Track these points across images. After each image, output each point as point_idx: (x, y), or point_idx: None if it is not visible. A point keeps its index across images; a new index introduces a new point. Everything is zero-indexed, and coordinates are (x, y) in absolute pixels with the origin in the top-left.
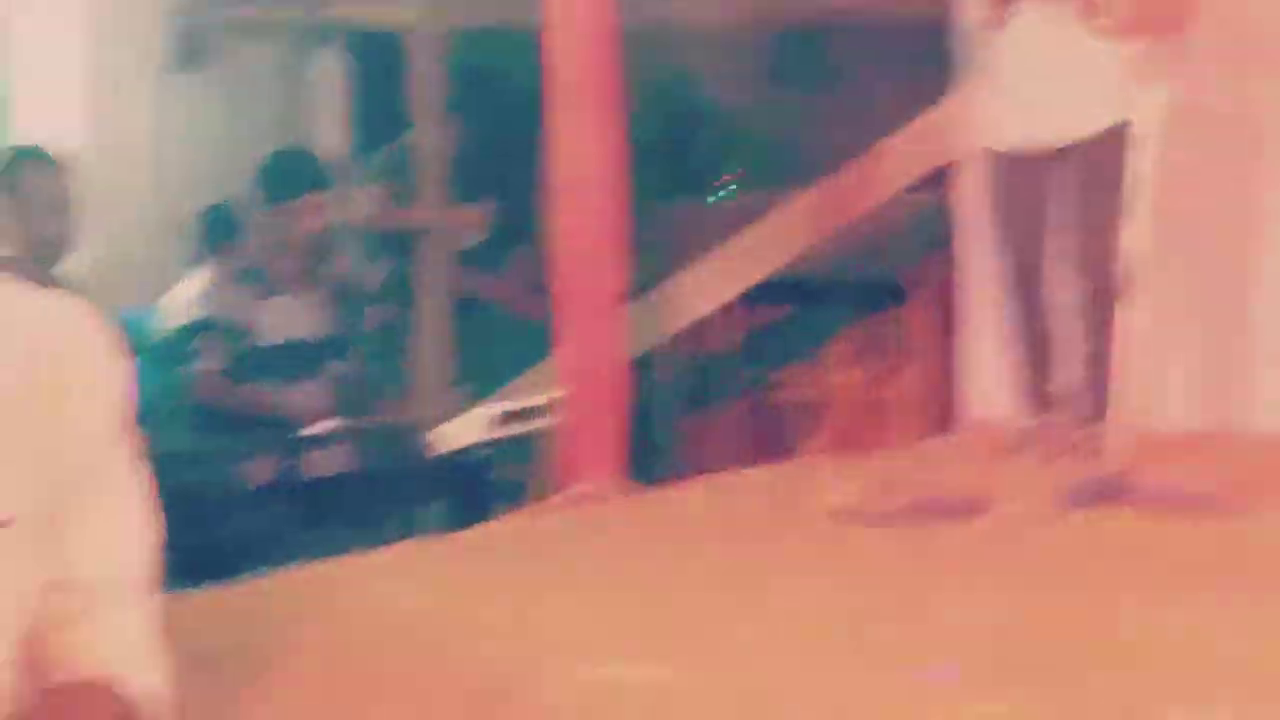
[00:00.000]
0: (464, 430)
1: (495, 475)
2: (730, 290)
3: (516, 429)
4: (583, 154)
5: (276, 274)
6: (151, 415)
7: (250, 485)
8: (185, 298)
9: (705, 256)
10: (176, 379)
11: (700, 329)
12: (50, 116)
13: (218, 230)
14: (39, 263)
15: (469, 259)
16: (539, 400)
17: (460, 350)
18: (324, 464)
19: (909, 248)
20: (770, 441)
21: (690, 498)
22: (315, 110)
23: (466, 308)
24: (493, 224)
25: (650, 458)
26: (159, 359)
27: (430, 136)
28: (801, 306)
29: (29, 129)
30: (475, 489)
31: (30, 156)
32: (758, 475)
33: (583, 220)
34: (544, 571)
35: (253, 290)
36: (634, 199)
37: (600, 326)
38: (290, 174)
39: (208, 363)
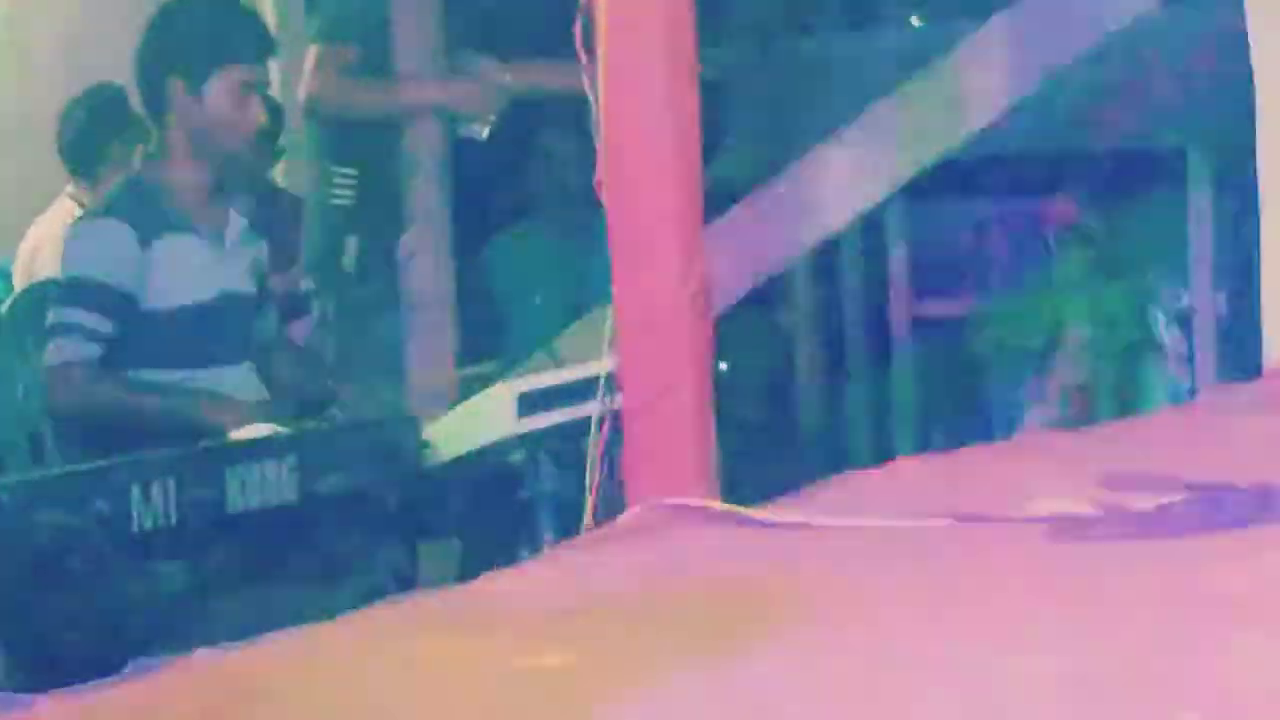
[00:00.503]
0: (478, 423)
1: (530, 491)
2: (891, 178)
3: (556, 417)
4: None
5: (175, 197)
6: None
7: (139, 528)
8: (38, 243)
9: (851, 126)
10: (26, 372)
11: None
12: None
13: (86, 136)
14: None
15: (473, 159)
16: (588, 372)
17: (467, 303)
18: (256, 491)
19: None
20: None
21: (840, 511)
22: None
23: (470, 236)
24: (506, 104)
25: (770, 449)
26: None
27: None
28: (993, 196)
29: None
30: (500, 513)
31: None
32: (932, 469)
33: (638, 94)
34: (641, 648)
35: (138, 226)
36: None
37: (670, 253)
38: (194, 36)
39: (68, 346)
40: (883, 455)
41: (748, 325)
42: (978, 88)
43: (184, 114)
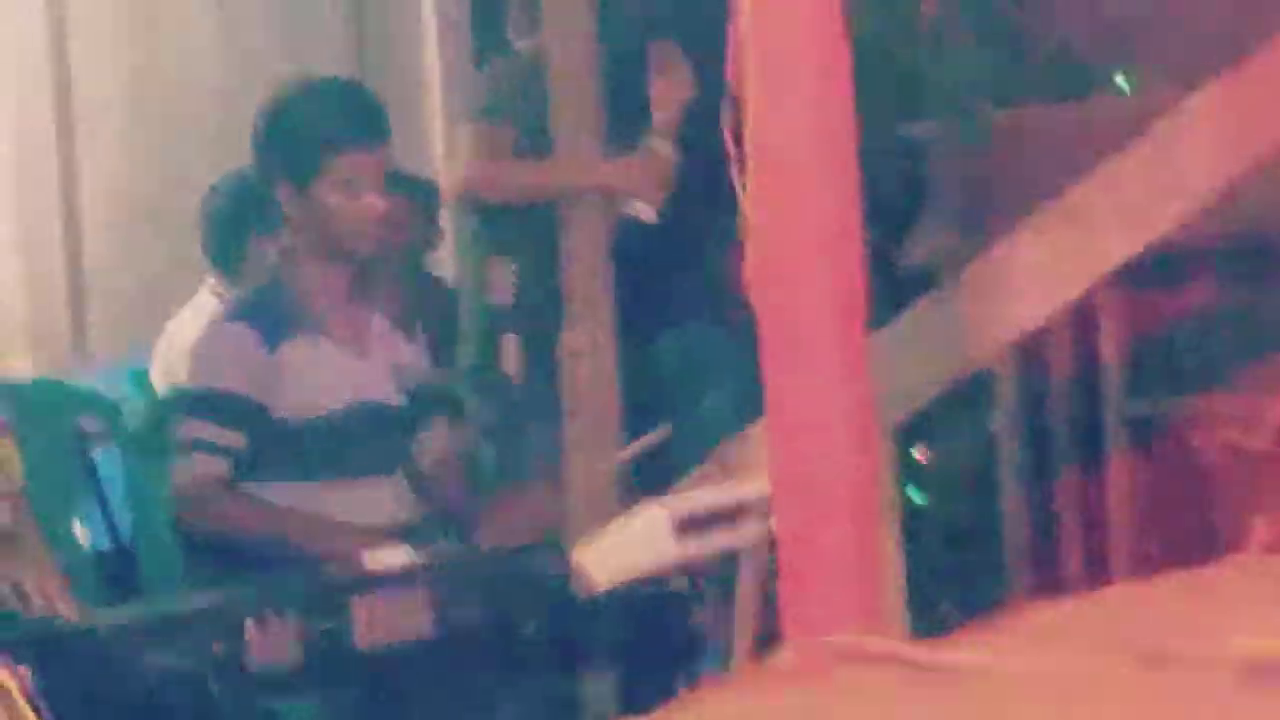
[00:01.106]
0: (631, 547)
1: (689, 622)
2: (1089, 270)
3: (716, 542)
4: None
5: (307, 299)
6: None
7: (256, 668)
8: (174, 343)
9: (1038, 211)
10: (158, 488)
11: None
12: None
13: (222, 227)
14: None
15: (640, 244)
16: (753, 491)
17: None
18: (385, 624)
19: None
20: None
21: (1018, 649)
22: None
23: (637, 332)
24: (674, 182)
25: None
26: (134, 454)
27: (569, 43)
28: (1226, 287)
29: None
30: (655, 647)
31: None
32: (1136, 593)
33: (789, 178)
34: None
35: (266, 330)
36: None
37: (828, 354)
38: (293, 132)
39: (196, 463)
40: (1094, 568)
41: (947, 425)
42: (1193, 163)
43: (298, 213)
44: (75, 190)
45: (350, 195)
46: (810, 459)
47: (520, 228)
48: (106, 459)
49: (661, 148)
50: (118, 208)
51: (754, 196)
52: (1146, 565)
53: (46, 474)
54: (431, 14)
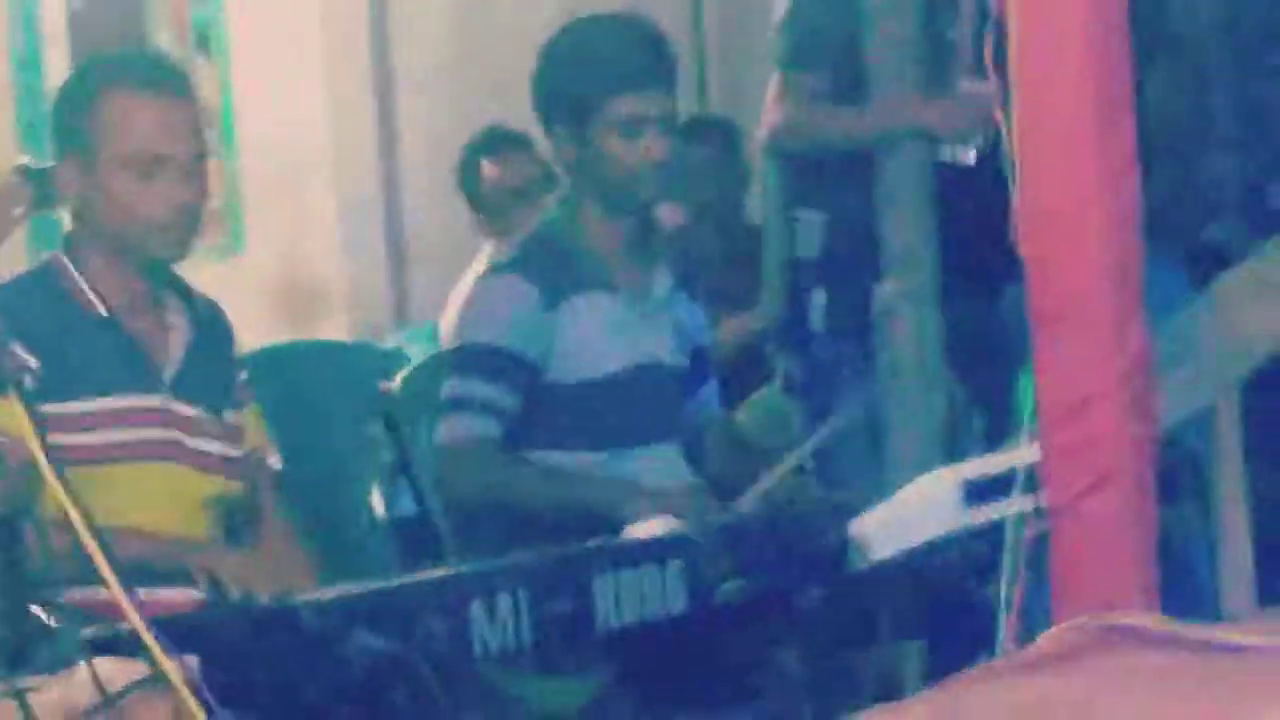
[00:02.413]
0: (916, 514)
1: (980, 593)
2: None
3: (1007, 508)
4: None
5: (587, 251)
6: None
7: (481, 650)
8: (453, 301)
9: None
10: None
11: None
12: None
13: (487, 183)
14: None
15: (960, 189)
16: (1024, 458)
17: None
18: (633, 601)
19: None
20: None
21: None
22: None
23: (961, 286)
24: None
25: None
26: (403, 414)
27: None
28: None
29: None
30: (945, 620)
31: None
32: None
33: (1060, 120)
34: None
35: (542, 284)
36: None
37: (1101, 318)
38: (575, 72)
39: (463, 422)
40: None
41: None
42: None
43: (578, 158)
44: (394, 152)
45: (631, 139)
46: (1081, 427)
47: (829, 178)
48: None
49: (980, 88)
50: (438, 167)
51: (1021, 144)
52: None
53: (346, 439)
54: None
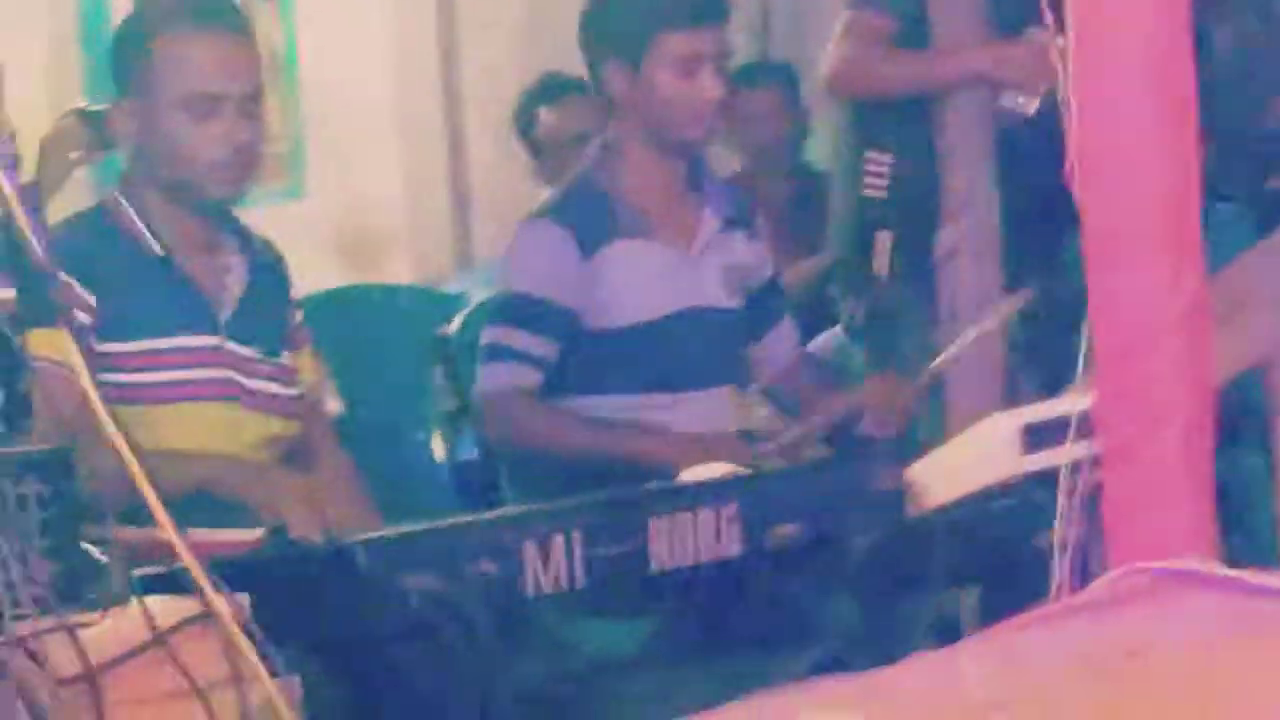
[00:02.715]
0: (976, 459)
1: (1040, 539)
2: None
3: (1070, 454)
4: None
5: (628, 196)
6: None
7: (535, 592)
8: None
9: None
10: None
11: None
12: None
13: (542, 130)
14: None
15: (1023, 139)
16: (1081, 403)
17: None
18: (687, 545)
19: None
20: None
21: None
22: None
23: (1025, 234)
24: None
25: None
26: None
27: None
28: None
29: None
30: (1004, 568)
31: None
32: None
33: (1118, 53)
34: None
35: (580, 230)
36: None
37: (1158, 256)
38: (625, 5)
39: (502, 371)
40: None
41: None
42: None
43: (626, 97)
44: (457, 98)
45: (684, 77)
46: (1137, 368)
47: (896, 120)
48: None
49: (1045, 36)
50: (501, 113)
51: (1077, 80)
52: None
53: (405, 382)
54: None
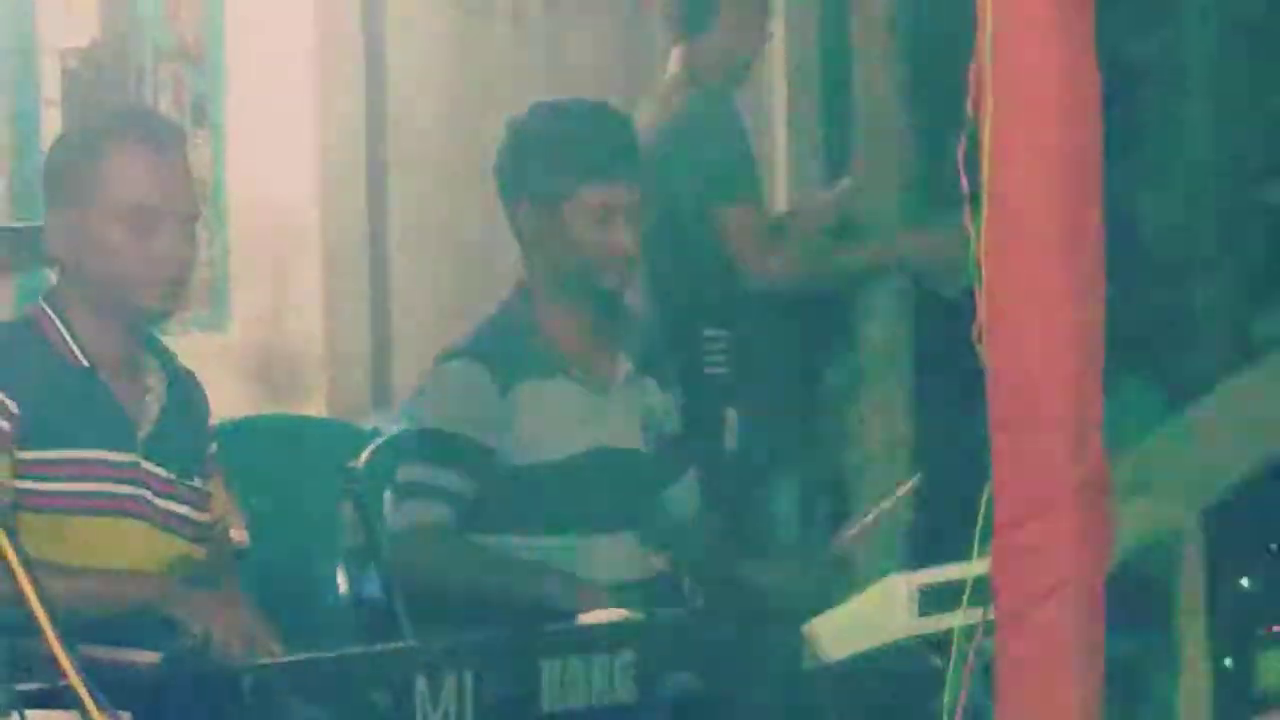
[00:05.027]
0: (869, 619)
1: (934, 702)
2: None
3: (963, 618)
4: None
5: (544, 336)
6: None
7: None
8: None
9: None
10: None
11: None
12: None
13: None
14: None
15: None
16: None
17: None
18: (580, 689)
19: None
20: None
21: None
22: None
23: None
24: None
25: None
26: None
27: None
28: None
29: None
30: None
31: None
32: None
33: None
34: None
35: (497, 368)
36: None
37: (1062, 423)
38: (547, 152)
39: (415, 508)
40: None
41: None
42: None
43: (540, 240)
44: (383, 238)
45: (599, 226)
46: (1033, 535)
47: (734, 299)
48: None
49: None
50: (426, 253)
51: (987, 241)
52: None
53: (313, 515)
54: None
